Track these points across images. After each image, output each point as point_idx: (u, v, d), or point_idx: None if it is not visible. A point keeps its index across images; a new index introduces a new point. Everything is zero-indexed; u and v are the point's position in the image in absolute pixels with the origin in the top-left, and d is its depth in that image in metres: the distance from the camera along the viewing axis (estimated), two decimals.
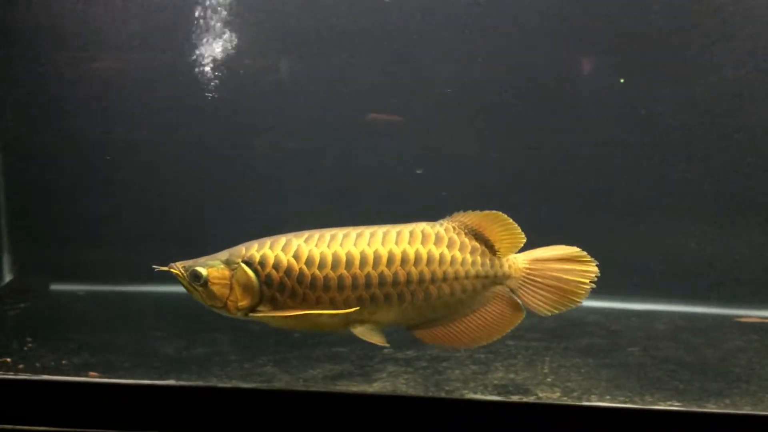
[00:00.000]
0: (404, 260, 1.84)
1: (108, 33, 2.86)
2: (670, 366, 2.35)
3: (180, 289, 2.94)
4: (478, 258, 1.88)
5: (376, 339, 1.89)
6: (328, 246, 1.85)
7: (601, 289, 2.94)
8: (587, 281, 1.88)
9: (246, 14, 2.81)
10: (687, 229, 2.93)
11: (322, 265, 1.83)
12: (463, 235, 1.89)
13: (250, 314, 1.88)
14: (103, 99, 2.94)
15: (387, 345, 1.91)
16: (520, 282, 1.89)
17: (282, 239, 1.88)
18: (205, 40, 2.75)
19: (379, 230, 1.88)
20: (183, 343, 2.52)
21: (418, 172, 2.81)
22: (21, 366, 2.28)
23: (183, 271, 1.90)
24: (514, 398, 2.08)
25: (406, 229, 1.89)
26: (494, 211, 1.89)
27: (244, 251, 1.89)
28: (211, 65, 2.80)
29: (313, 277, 1.82)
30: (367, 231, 1.88)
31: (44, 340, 2.50)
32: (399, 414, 1.99)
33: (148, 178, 3.01)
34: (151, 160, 2.99)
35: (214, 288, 1.87)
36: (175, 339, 2.55)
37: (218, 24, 2.73)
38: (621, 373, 2.29)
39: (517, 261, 1.90)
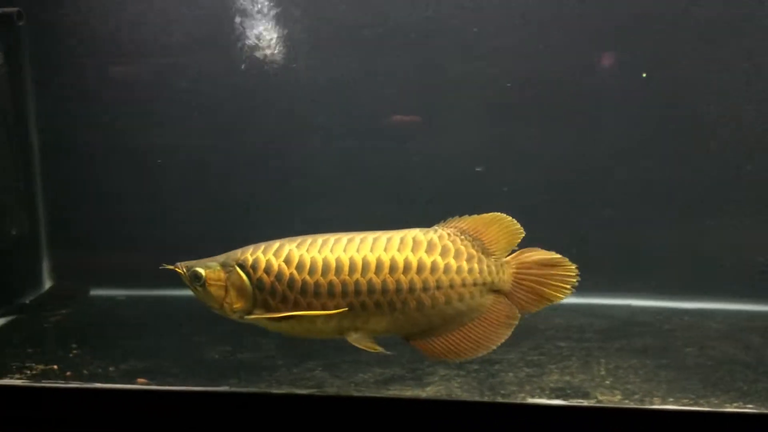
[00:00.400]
0: (393, 268, 1.83)
1: (153, 35, 2.83)
2: (731, 366, 2.27)
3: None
4: (475, 265, 1.86)
5: (370, 346, 1.89)
6: (319, 251, 1.85)
7: (650, 288, 2.93)
8: (569, 286, 1.93)
9: (294, 13, 2.78)
10: (739, 226, 2.85)
11: (312, 271, 1.84)
12: (459, 242, 1.88)
13: (246, 317, 1.90)
14: (144, 102, 2.92)
15: (383, 351, 1.89)
16: (509, 285, 1.88)
17: (276, 244, 1.90)
18: (251, 42, 2.72)
19: (370, 236, 1.88)
20: (228, 348, 2.48)
21: (478, 169, 2.76)
22: (69, 373, 2.25)
23: (185, 271, 1.94)
24: (574, 402, 2.02)
25: (397, 235, 1.88)
26: (491, 213, 1.88)
27: (239, 254, 1.91)
28: (257, 66, 2.77)
29: (304, 282, 1.84)
30: (358, 237, 1.88)
31: (89, 347, 2.48)
32: (457, 419, 1.94)
33: (187, 181, 2.98)
34: (191, 163, 2.96)
35: (212, 289, 1.92)
36: (219, 343, 2.52)
37: (265, 24, 2.70)
38: (681, 374, 2.22)
39: (509, 264, 1.89)
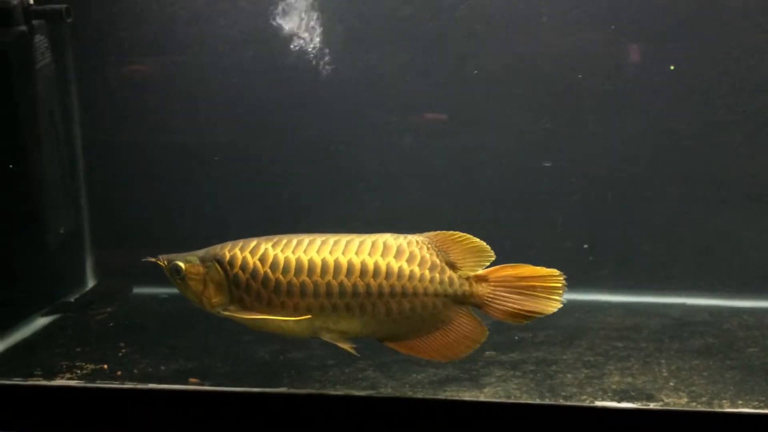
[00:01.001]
0: (363, 271, 1.83)
1: (200, 30, 2.80)
2: None
3: None
4: (437, 275, 1.85)
5: (345, 346, 1.90)
6: (293, 252, 1.87)
7: (705, 286, 2.84)
8: (557, 298, 1.87)
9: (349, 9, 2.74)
10: None
11: (285, 270, 1.85)
12: (426, 251, 1.86)
13: (223, 312, 1.93)
14: (191, 97, 2.89)
15: (356, 353, 1.90)
16: (485, 300, 1.85)
17: (253, 242, 1.92)
18: (305, 38, 2.68)
19: (344, 239, 1.88)
20: (276, 347, 2.44)
21: (546, 164, 2.70)
22: (119, 372, 2.24)
23: (166, 264, 1.97)
24: (640, 404, 1.95)
25: (369, 239, 1.88)
26: (461, 233, 1.87)
27: (218, 250, 1.94)
28: (312, 63, 2.73)
29: (277, 281, 1.85)
30: (331, 239, 1.89)
31: (137, 345, 2.46)
32: (518, 422, 1.88)
33: (232, 179, 2.95)
34: (237, 160, 2.93)
35: (191, 283, 1.95)
36: (266, 342, 2.48)
37: (319, 21, 2.66)
38: (747, 375, 2.14)
39: (483, 279, 1.85)
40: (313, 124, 2.86)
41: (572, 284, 2.83)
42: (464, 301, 1.85)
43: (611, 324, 2.63)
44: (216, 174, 2.93)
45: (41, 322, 2.71)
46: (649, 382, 2.11)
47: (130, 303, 2.96)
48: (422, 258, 1.85)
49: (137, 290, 3.03)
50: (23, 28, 2.15)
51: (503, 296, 1.85)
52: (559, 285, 1.86)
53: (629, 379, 2.14)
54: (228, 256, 1.89)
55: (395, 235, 1.88)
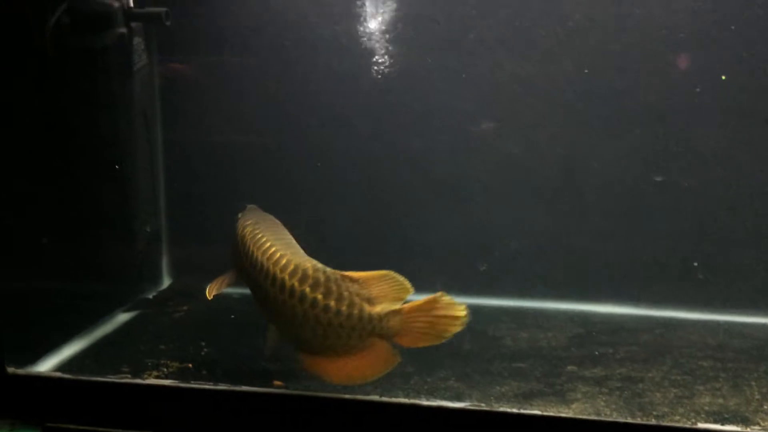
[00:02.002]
0: (281, 288, 1.94)
1: (281, 32, 2.82)
2: None
3: None
4: (354, 312, 1.89)
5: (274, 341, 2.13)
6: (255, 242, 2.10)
7: None
8: (458, 323, 1.96)
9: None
10: None
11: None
12: (343, 287, 1.90)
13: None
14: (269, 100, 2.91)
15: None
16: (397, 331, 1.91)
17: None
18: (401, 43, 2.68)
19: (277, 251, 2.02)
20: None
21: (658, 179, 2.66)
22: (204, 372, 2.27)
23: None
24: (736, 428, 1.90)
25: (295, 258, 1.98)
26: (383, 271, 1.94)
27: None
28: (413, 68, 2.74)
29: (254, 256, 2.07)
30: (267, 244, 2.06)
31: (216, 345, 2.49)
32: None
33: (311, 181, 2.97)
34: (320, 162, 2.94)
35: None
36: None
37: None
38: None
39: (397, 313, 1.91)
40: (409, 130, 2.87)
41: (651, 299, 2.86)
42: (376, 334, 1.91)
43: (694, 342, 2.57)
44: (296, 176, 2.95)
45: (122, 317, 2.77)
46: (743, 405, 2.06)
47: (205, 301, 2.99)
48: (339, 295, 1.89)
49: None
50: (123, 30, 2.20)
51: (412, 327, 1.93)
52: (462, 314, 1.95)
53: (721, 401, 2.09)
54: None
55: (316, 267, 1.94)
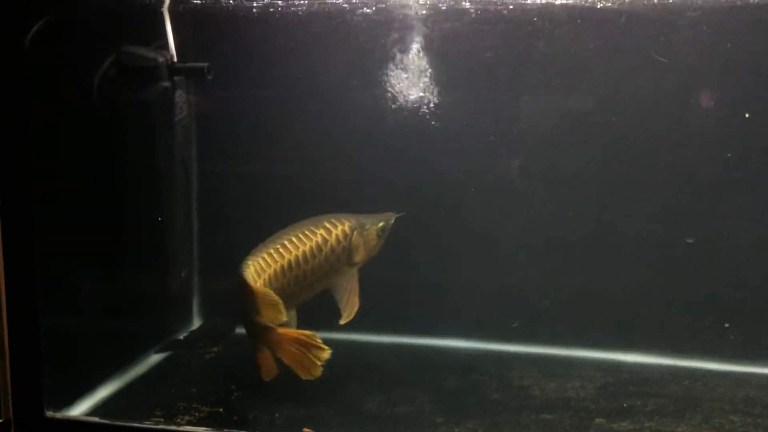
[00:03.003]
0: None
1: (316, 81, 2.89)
2: None
3: (365, 337, 3.01)
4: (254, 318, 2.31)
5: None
6: None
7: None
8: (318, 366, 2.29)
9: None
10: None
11: None
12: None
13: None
14: (296, 144, 2.98)
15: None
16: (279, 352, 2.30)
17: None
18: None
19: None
20: (383, 398, 2.47)
21: (689, 241, 2.68)
22: (235, 418, 2.30)
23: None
24: None
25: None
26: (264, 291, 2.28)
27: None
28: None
29: None
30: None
31: (247, 389, 2.53)
32: None
33: None
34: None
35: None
36: (372, 392, 2.52)
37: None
38: None
39: (277, 333, 2.29)
40: (444, 184, 2.92)
41: (678, 349, 2.85)
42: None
43: (722, 395, 2.56)
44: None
45: (155, 359, 2.82)
46: None
47: (234, 343, 3.04)
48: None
49: (239, 331, 3.12)
50: (167, 84, 2.29)
51: (286, 349, 2.29)
52: (324, 358, 2.28)
53: None
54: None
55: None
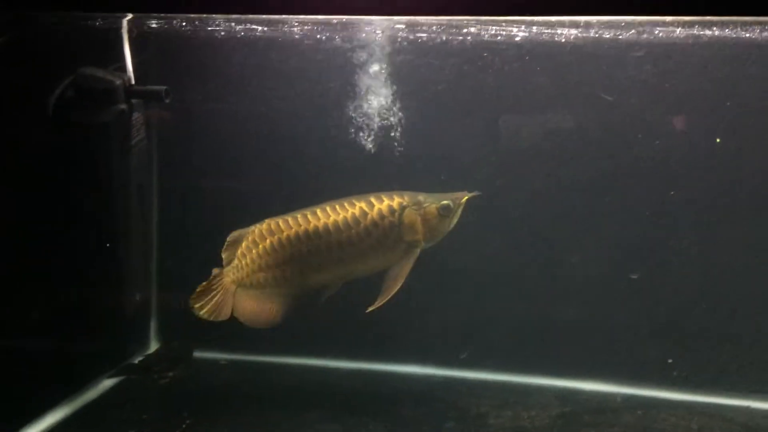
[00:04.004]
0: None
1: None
2: None
3: (323, 363, 2.99)
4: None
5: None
6: None
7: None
8: None
9: None
10: None
11: None
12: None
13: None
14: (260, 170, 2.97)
15: None
16: None
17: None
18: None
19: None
20: (338, 427, 2.45)
21: (633, 277, 2.70)
22: None
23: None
24: None
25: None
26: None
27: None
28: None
29: None
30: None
31: (199, 416, 2.49)
32: None
33: None
34: None
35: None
36: (330, 420, 2.49)
37: None
38: None
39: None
40: None
41: (635, 378, 2.87)
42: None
43: (675, 425, 2.57)
44: None
45: (107, 383, 2.76)
46: None
47: (191, 368, 3.00)
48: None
49: (197, 354, 3.08)
50: (123, 106, 2.27)
51: None
52: None
53: None
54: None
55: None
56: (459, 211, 2.41)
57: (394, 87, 2.77)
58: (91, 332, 2.65)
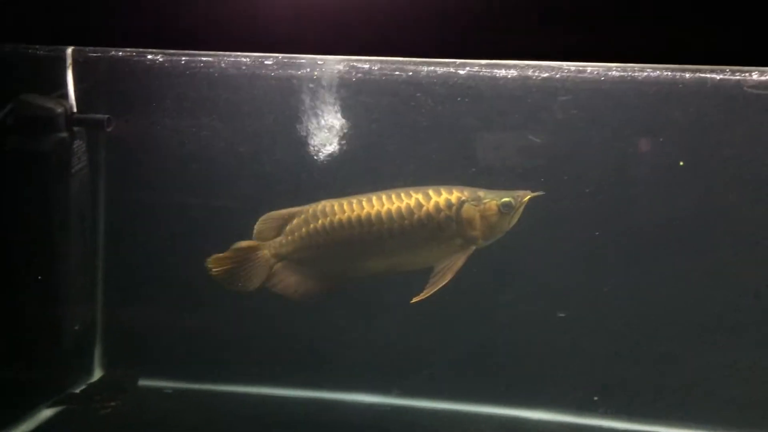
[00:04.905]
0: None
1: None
2: None
3: (266, 390, 2.97)
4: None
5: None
6: None
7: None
8: None
9: None
10: None
11: None
12: None
13: None
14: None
15: None
16: None
17: None
18: None
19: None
20: None
21: (561, 315, 2.72)
22: None
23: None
24: None
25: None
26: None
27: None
28: None
29: None
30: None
31: None
32: None
33: None
34: None
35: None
36: None
37: None
38: None
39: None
40: None
41: (579, 407, 2.90)
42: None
43: None
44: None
45: (46, 413, 2.70)
46: None
47: (135, 397, 2.95)
48: None
49: (142, 382, 3.03)
50: (64, 134, 2.25)
51: None
52: None
53: None
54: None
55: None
56: (520, 210, 2.35)
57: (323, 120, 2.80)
58: (29, 360, 2.59)
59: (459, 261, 2.29)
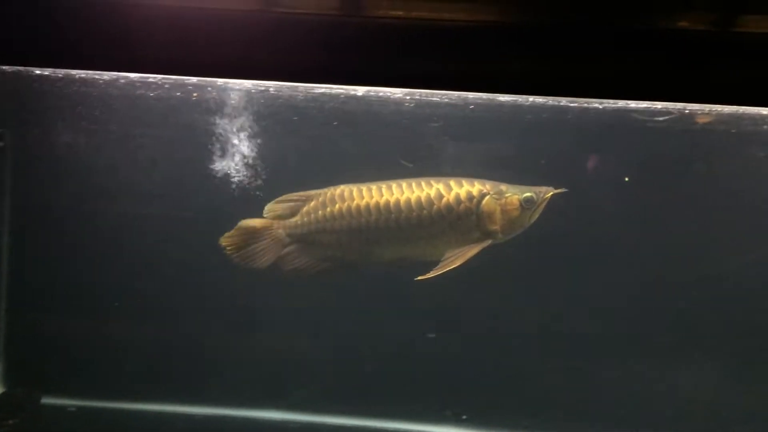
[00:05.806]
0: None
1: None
2: None
3: (178, 409, 2.94)
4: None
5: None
6: None
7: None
8: None
9: None
10: None
11: None
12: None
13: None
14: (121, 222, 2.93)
15: None
16: None
17: None
18: None
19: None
20: None
21: (431, 336, 2.78)
22: None
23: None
24: None
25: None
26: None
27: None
28: None
29: None
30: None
31: None
32: None
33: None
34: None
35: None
36: None
37: None
38: None
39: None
40: None
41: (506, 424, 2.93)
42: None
43: None
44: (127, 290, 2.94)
45: None
46: None
47: (36, 415, 2.87)
48: None
49: (45, 400, 2.96)
50: None
51: None
52: None
53: None
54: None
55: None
56: (542, 206, 2.32)
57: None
58: None
59: (474, 249, 2.28)
